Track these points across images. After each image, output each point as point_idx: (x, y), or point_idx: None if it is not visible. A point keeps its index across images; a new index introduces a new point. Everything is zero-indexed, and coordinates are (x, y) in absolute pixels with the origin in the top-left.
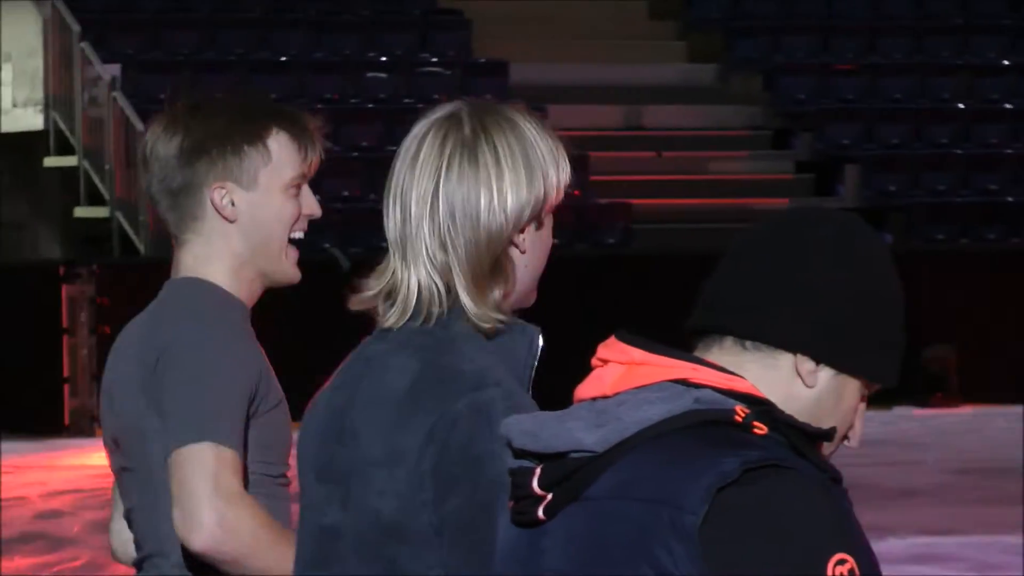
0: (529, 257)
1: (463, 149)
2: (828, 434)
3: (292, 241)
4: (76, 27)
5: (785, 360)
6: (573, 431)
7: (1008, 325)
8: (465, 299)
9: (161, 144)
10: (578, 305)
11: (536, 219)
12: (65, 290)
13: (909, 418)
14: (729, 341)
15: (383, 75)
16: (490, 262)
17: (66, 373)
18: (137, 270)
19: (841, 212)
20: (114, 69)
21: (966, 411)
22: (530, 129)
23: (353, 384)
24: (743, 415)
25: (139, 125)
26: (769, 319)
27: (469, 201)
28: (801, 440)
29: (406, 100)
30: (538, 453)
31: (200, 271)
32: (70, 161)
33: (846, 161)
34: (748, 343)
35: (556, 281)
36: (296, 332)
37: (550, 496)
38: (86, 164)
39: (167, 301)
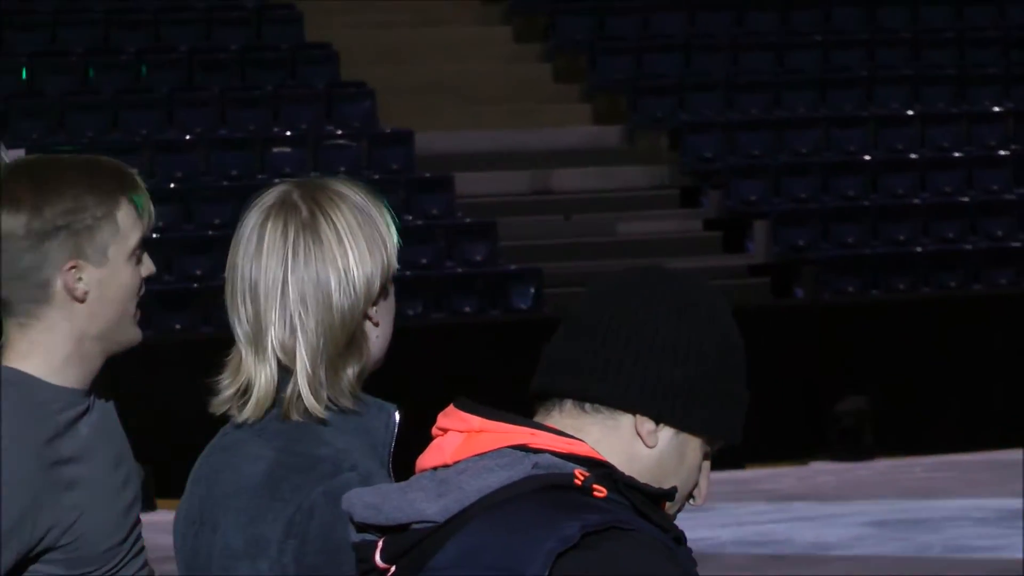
0: (381, 328)
1: (305, 232)
2: (670, 494)
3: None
4: None
5: (625, 421)
6: (415, 502)
7: (922, 374)
8: (314, 386)
9: (5, 224)
10: (499, 371)
11: (384, 289)
12: None
13: (824, 472)
14: (569, 404)
15: (288, 149)
16: (345, 341)
17: None
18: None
19: (678, 271)
20: (18, 155)
21: (881, 463)
22: (362, 200)
23: (212, 474)
24: (583, 478)
25: None
26: (606, 381)
27: (319, 284)
28: (642, 501)
29: (313, 173)
30: (381, 525)
31: (25, 362)
32: None
33: (755, 217)
34: (588, 405)
35: (470, 348)
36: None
37: (393, 569)
38: None
39: None
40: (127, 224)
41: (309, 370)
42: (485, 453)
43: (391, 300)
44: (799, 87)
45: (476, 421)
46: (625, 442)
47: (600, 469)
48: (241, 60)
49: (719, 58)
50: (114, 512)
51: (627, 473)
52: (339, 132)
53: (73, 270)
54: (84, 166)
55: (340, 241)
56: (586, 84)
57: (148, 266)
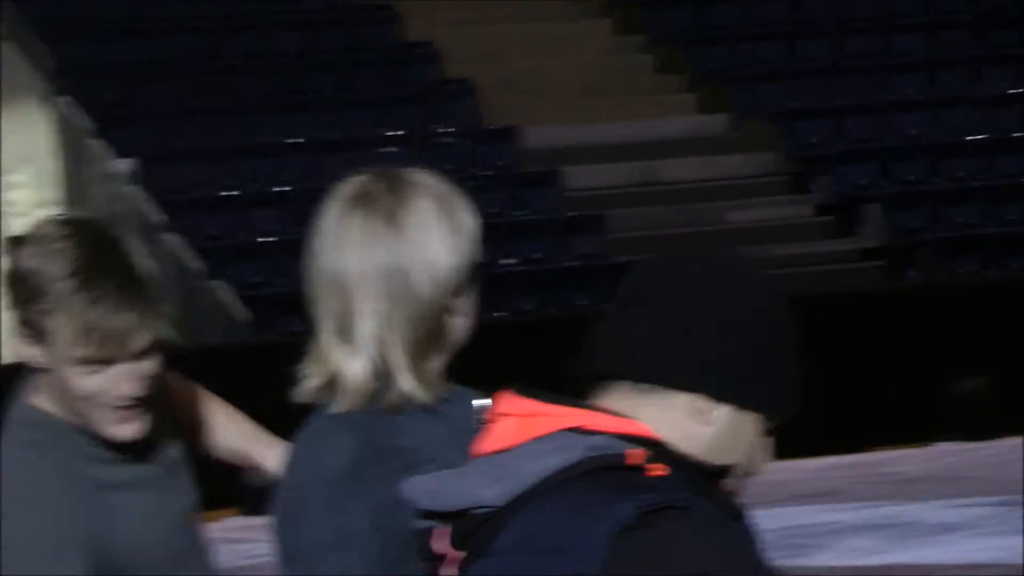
0: (466, 317)
1: (387, 224)
2: (726, 471)
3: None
4: (87, 125)
5: (680, 400)
6: (473, 488)
7: None
8: (405, 378)
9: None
10: None
11: (467, 280)
12: None
13: (947, 453)
14: (624, 385)
15: (394, 149)
16: (429, 332)
17: None
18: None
19: (728, 252)
20: (128, 163)
21: (1004, 443)
22: (443, 190)
23: (299, 464)
24: (638, 459)
25: (157, 218)
26: (661, 361)
27: (403, 275)
28: (699, 479)
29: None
30: (441, 512)
31: (44, 401)
32: None
33: (864, 201)
34: (643, 386)
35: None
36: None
37: (454, 554)
38: None
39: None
40: (63, 333)
41: (395, 361)
42: (541, 437)
43: (475, 294)
44: (905, 69)
45: (531, 405)
46: (680, 421)
47: (656, 449)
48: (343, 62)
49: (823, 43)
50: (169, 535)
51: (683, 452)
52: (444, 131)
53: (24, 336)
54: (68, 260)
55: (422, 232)
56: (689, 74)
57: (119, 385)
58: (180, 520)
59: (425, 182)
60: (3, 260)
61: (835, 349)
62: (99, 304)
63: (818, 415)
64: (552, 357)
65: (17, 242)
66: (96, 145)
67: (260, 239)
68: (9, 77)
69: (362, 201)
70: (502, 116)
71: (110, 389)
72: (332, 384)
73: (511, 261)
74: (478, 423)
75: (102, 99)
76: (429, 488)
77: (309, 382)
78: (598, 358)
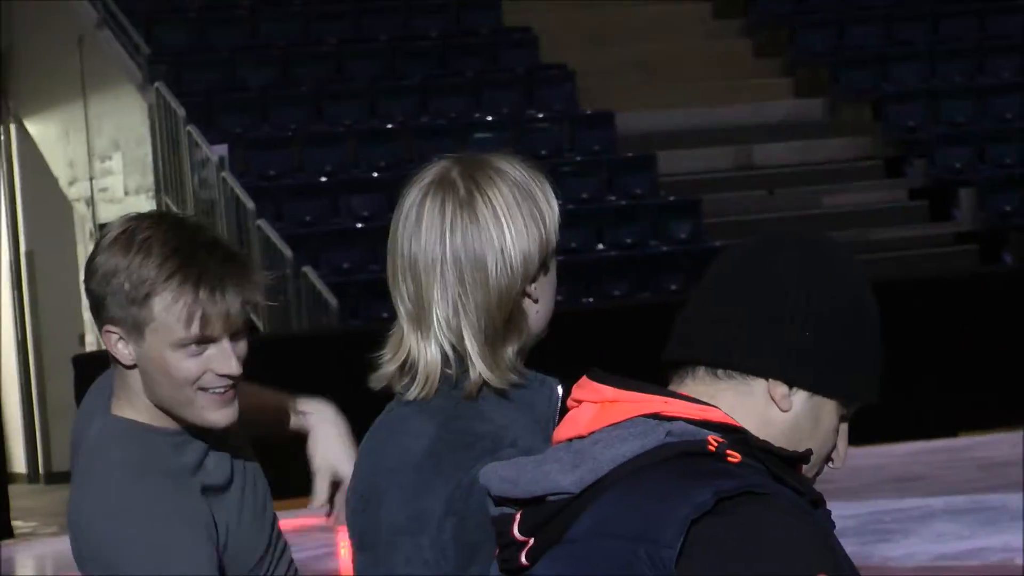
0: (541, 304)
1: (462, 210)
2: (805, 457)
3: (207, 389)
4: (181, 111)
5: (758, 386)
6: (550, 474)
7: None
8: (479, 363)
9: (88, 264)
10: None
11: (544, 266)
12: None
13: None
14: (702, 371)
15: (490, 135)
16: (504, 318)
17: None
18: (258, 348)
19: (810, 235)
20: (221, 149)
21: None
22: (522, 176)
23: (377, 450)
24: (716, 444)
25: (250, 204)
26: (739, 346)
27: (477, 262)
28: (777, 465)
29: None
30: (518, 499)
31: (123, 409)
32: None
33: (960, 185)
34: (720, 372)
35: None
36: None
37: (532, 541)
38: None
39: (94, 443)
40: (169, 318)
41: (471, 347)
42: (619, 423)
43: (552, 276)
44: (1001, 52)
45: (609, 391)
46: (759, 407)
47: (734, 435)
48: (441, 47)
49: (920, 26)
50: (255, 530)
51: (761, 438)
52: (540, 115)
53: (111, 334)
54: (159, 245)
55: (497, 218)
56: (787, 58)
57: (222, 363)
58: (261, 514)
59: (504, 167)
60: (88, 270)
61: (928, 333)
62: (202, 283)
63: (909, 399)
64: (644, 343)
65: (101, 240)
66: (189, 132)
67: (353, 225)
68: (102, 64)
69: (440, 186)
70: (599, 101)
71: (214, 369)
72: (408, 370)
73: (605, 247)
74: (557, 409)
75: (195, 85)
76: (507, 475)
77: (385, 368)
78: (677, 344)
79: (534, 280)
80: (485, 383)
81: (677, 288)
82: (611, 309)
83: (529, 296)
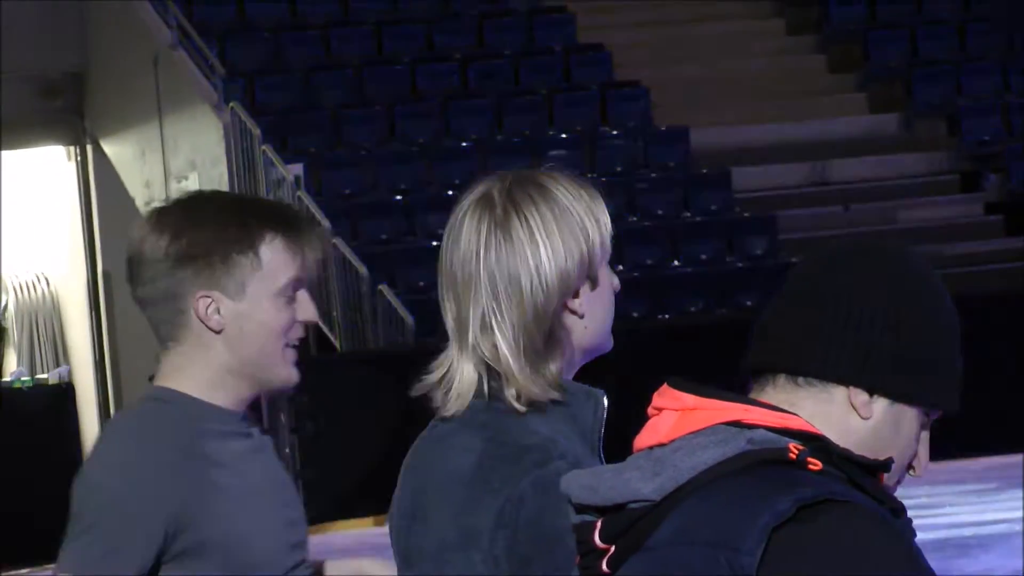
0: (589, 318)
1: (497, 229)
2: (886, 465)
3: (290, 345)
4: (256, 130)
5: (839, 393)
6: (631, 482)
7: None
8: (520, 379)
9: (149, 246)
10: None
11: (588, 279)
12: None
13: None
14: (782, 379)
15: (563, 152)
16: (542, 338)
17: None
18: (333, 366)
19: (889, 243)
20: (297, 169)
21: None
22: (564, 193)
23: (423, 467)
24: (797, 452)
25: (326, 223)
26: (819, 354)
27: (511, 281)
28: (858, 473)
29: (590, 175)
30: (598, 506)
31: (176, 381)
32: None
33: None
34: (800, 379)
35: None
36: None
37: (612, 549)
38: None
39: (124, 411)
40: (273, 262)
41: (509, 365)
42: (699, 431)
43: (602, 290)
44: None
45: (690, 399)
46: (839, 415)
47: (815, 443)
48: (514, 63)
49: (993, 40)
50: (272, 536)
51: (842, 446)
52: (614, 132)
53: (205, 299)
54: (237, 201)
55: (532, 238)
56: (860, 73)
57: (305, 311)
58: (288, 528)
59: (547, 184)
60: (170, 242)
61: (1004, 347)
62: (299, 224)
63: (987, 413)
64: (720, 360)
65: (166, 218)
66: (264, 151)
67: (428, 243)
68: (177, 83)
69: (479, 204)
70: (673, 117)
71: (301, 317)
72: (445, 385)
73: (680, 263)
74: (602, 421)
75: (269, 104)
76: (587, 483)
77: (426, 380)
78: (756, 352)
79: (576, 296)
80: (526, 398)
81: (752, 304)
82: (686, 325)
83: (574, 312)
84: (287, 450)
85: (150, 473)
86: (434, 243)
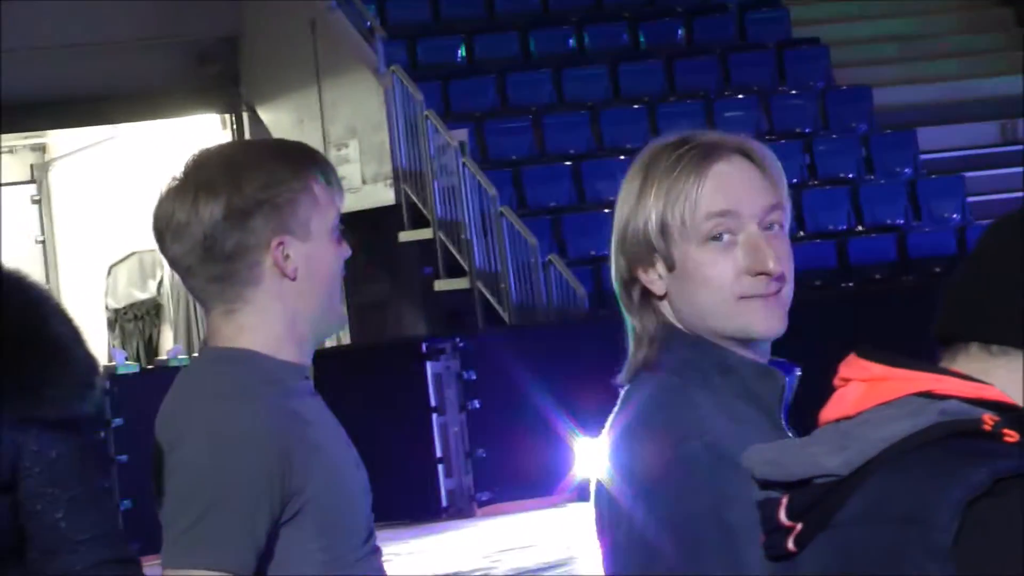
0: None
1: (624, 184)
2: None
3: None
4: (419, 95)
5: None
6: (816, 456)
7: None
8: (676, 347)
9: (202, 207)
10: None
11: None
12: (430, 367)
13: None
14: (975, 347)
15: (739, 112)
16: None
17: (439, 453)
18: (502, 341)
19: None
20: (462, 134)
21: None
22: (698, 150)
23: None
24: (992, 423)
25: (492, 190)
26: (1013, 321)
27: (622, 235)
28: None
29: (767, 137)
30: (783, 482)
31: (245, 340)
32: (425, 234)
33: None
34: (994, 348)
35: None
36: None
37: (799, 526)
38: (441, 235)
39: (192, 378)
40: (325, 199)
41: (660, 331)
42: (888, 402)
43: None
44: None
45: (878, 369)
46: None
47: (1011, 413)
48: (687, 20)
49: None
50: (358, 492)
51: None
52: (793, 91)
53: (280, 246)
54: (270, 144)
55: (635, 192)
56: None
57: (345, 248)
58: (364, 494)
59: (668, 143)
60: (230, 196)
61: None
62: (325, 161)
63: None
64: (905, 327)
65: (205, 179)
66: (427, 116)
67: (600, 209)
68: (336, 47)
69: (634, 164)
70: (854, 76)
71: (347, 252)
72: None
73: (864, 227)
74: (786, 398)
75: (431, 66)
76: (770, 457)
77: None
78: (947, 319)
79: (652, 258)
80: (690, 367)
81: (941, 270)
82: (873, 292)
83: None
84: (456, 429)
85: (262, 438)
86: (606, 210)
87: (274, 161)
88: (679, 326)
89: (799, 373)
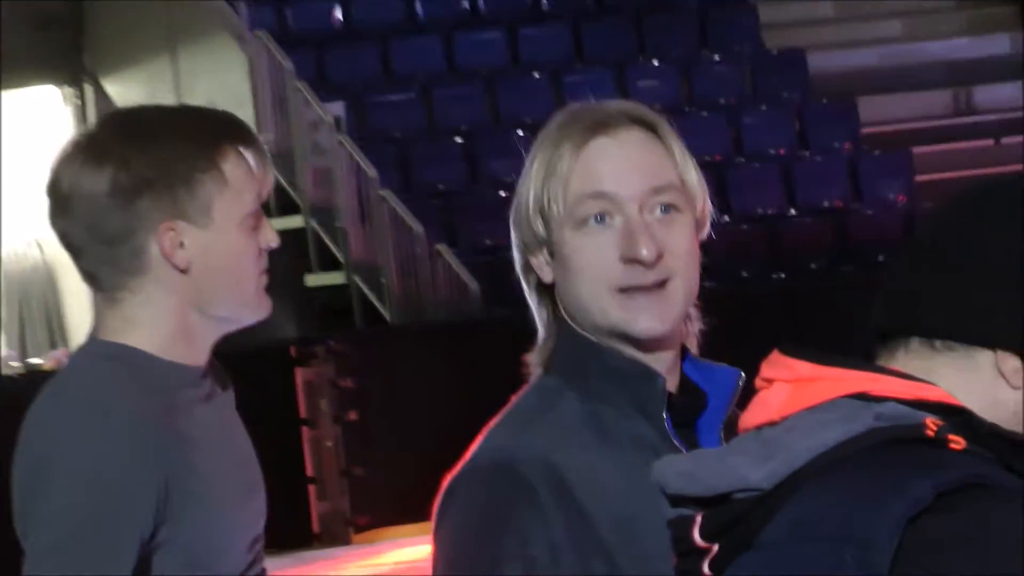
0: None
1: None
2: None
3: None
4: (289, 65)
5: (984, 359)
6: (736, 468)
7: None
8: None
9: (86, 179)
10: None
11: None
12: (300, 374)
13: None
14: (916, 343)
15: (655, 82)
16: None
17: (310, 472)
18: (384, 343)
19: None
20: (337, 108)
21: None
22: (556, 130)
23: None
24: (935, 428)
25: (372, 171)
26: (958, 313)
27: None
28: (1010, 452)
29: (687, 108)
30: (698, 497)
31: (130, 336)
32: (295, 222)
33: None
34: (938, 343)
35: None
36: None
37: (716, 548)
38: (314, 223)
39: (61, 378)
40: (237, 180)
41: (552, 326)
42: (818, 405)
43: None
44: None
45: (806, 368)
46: (985, 384)
47: (956, 417)
48: None
49: None
50: (237, 531)
51: (989, 420)
52: (716, 57)
53: (171, 233)
54: (183, 112)
55: (525, 171)
56: None
57: (267, 235)
58: (245, 503)
59: (565, 112)
60: (117, 171)
61: None
62: (250, 134)
63: None
64: (842, 323)
65: (102, 144)
66: (299, 88)
67: (495, 193)
68: (193, 10)
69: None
70: (787, 40)
71: (266, 244)
72: None
73: (796, 211)
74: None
75: (304, 33)
76: (684, 469)
77: None
78: (887, 311)
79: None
80: (572, 367)
81: (883, 259)
82: (805, 285)
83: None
84: (329, 444)
85: (125, 456)
86: (503, 193)
87: (178, 132)
88: (568, 321)
89: (742, 377)
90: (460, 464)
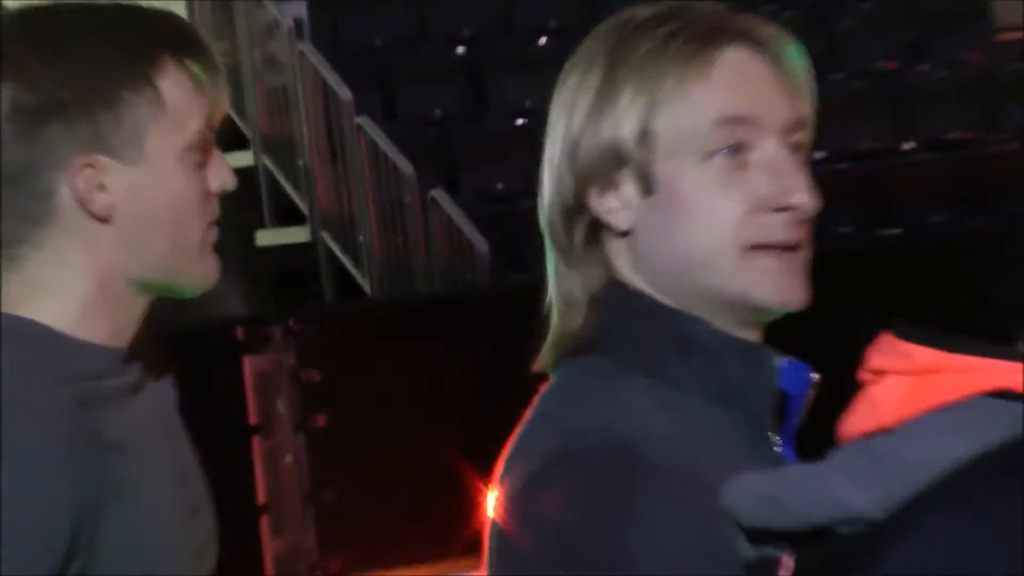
0: None
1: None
2: None
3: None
4: None
5: None
6: (834, 490)
7: None
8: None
9: None
10: None
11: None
12: (249, 363)
13: None
14: None
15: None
16: None
17: (262, 498)
18: (360, 322)
19: None
20: (298, 8)
21: None
22: (651, 38)
23: None
24: None
25: (345, 92)
26: None
27: None
28: None
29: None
30: (786, 531)
31: (35, 307)
32: (243, 159)
33: None
34: None
35: None
36: None
37: None
38: (267, 162)
39: None
40: (178, 102)
41: (605, 292)
42: (944, 406)
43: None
44: None
45: (927, 356)
46: None
47: None
48: None
49: None
50: (180, 553)
51: None
52: None
53: (88, 170)
54: (109, 10)
55: (602, 89)
56: None
57: (221, 176)
58: (187, 520)
59: (645, 17)
60: (18, 89)
61: None
62: (199, 43)
63: None
64: (970, 291)
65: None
66: None
67: (509, 124)
68: None
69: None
70: None
71: (217, 186)
72: None
73: (914, 144)
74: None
75: None
76: (764, 492)
77: None
78: None
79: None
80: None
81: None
82: (922, 242)
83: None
84: (288, 459)
85: (31, 468)
86: (520, 121)
87: (101, 37)
88: (633, 285)
89: (815, 378)
90: (527, 457)
